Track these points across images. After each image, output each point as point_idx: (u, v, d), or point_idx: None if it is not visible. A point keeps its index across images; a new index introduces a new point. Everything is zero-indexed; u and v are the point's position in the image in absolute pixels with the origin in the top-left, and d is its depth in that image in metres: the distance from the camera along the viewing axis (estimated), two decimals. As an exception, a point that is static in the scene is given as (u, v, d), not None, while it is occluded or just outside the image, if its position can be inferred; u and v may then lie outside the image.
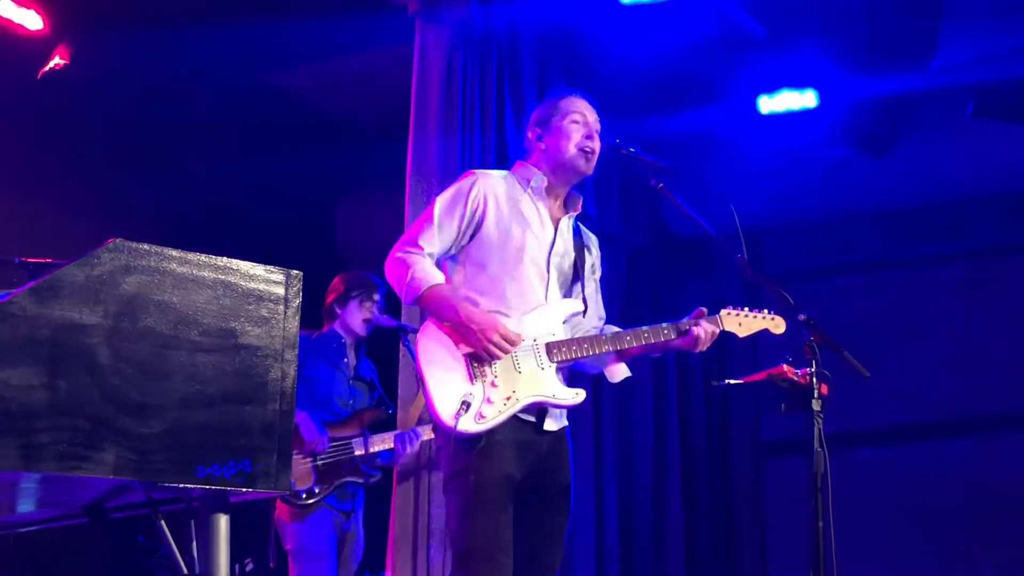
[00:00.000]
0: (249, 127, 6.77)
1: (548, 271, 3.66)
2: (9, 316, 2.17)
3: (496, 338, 3.44)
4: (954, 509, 7.21)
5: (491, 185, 3.67)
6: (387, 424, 5.45)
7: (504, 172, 3.79)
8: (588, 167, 3.75)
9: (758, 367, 3.79)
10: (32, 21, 5.95)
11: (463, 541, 3.42)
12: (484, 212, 3.62)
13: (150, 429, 2.28)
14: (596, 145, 3.75)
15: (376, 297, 5.52)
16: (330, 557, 5.22)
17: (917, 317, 7.55)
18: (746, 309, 3.74)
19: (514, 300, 3.59)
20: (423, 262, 3.55)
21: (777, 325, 3.76)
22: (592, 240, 3.87)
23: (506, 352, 3.46)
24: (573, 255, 3.75)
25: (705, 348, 3.65)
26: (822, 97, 6.80)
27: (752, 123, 7.00)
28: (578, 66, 6.61)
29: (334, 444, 5.23)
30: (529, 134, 3.83)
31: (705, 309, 3.69)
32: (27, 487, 2.41)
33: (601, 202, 6.71)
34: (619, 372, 3.80)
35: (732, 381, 3.91)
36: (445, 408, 3.41)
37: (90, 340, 2.24)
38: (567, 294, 3.73)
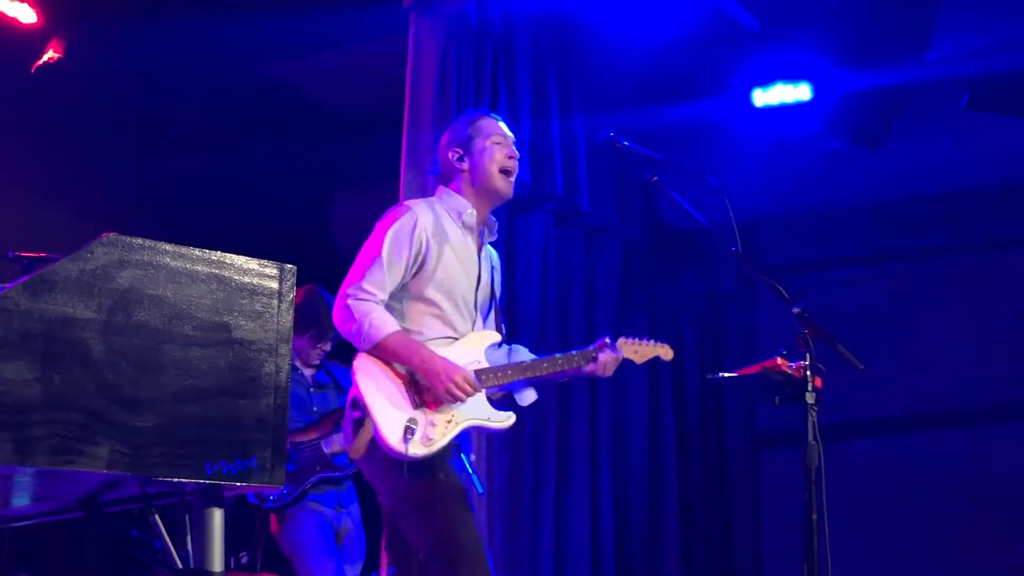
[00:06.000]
0: (243, 120, 6.75)
1: (476, 304, 3.85)
2: (2, 310, 2.17)
3: (460, 380, 3.60)
4: (949, 501, 7.22)
5: (429, 221, 3.77)
6: None
7: (432, 201, 3.87)
8: (510, 190, 3.87)
9: (753, 360, 3.81)
10: (26, 15, 5.93)
11: (447, 540, 3.51)
12: (427, 251, 3.73)
13: (144, 423, 2.28)
14: (516, 165, 3.86)
15: (327, 347, 5.49)
16: (325, 551, 5.23)
17: (912, 309, 7.55)
18: (638, 339, 4.04)
19: (447, 331, 3.76)
20: (378, 309, 3.65)
21: (666, 352, 4.11)
22: (495, 257, 4.01)
23: (468, 395, 3.62)
24: (491, 284, 3.92)
25: (610, 374, 3.96)
26: (816, 90, 6.80)
27: (747, 116, 7.00)
28: (572, 58, 6.61)
29: (297, 446, 5.23)
30: (449, 155, 3.90)
31: (608, 339, 3.97)
32: (21, 481, 2.41)
33: (596, 195, 6.71)
34: (529, 396, 3.97)
35: (727, 374, 3.93)
36: (393, 434, 3.52)
37: (84, 334, 2.24)
38: (485, 318, 3.95)
